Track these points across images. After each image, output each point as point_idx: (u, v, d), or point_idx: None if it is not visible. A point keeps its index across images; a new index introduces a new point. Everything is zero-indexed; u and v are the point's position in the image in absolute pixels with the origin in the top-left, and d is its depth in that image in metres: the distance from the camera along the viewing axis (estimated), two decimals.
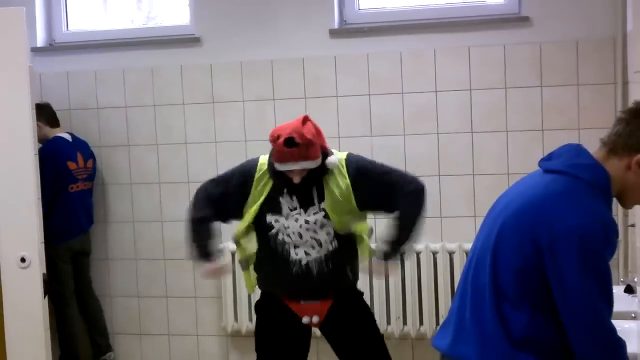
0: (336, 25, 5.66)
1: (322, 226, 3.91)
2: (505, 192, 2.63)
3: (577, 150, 2.50)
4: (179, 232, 5.86)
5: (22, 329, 4.12)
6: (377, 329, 4.20)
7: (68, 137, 5.84)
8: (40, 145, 5.47)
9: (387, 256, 3.93)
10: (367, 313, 4.19)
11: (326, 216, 3.91)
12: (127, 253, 6.08)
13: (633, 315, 3.40)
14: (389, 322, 5.50)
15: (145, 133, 5.97)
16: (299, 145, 3.73)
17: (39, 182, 4.16)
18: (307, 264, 3.92)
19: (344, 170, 3.95)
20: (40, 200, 4.16)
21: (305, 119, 3.86)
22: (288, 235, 3.91)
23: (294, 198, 3.92)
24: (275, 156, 3.84)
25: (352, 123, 5.58)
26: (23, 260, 4.05)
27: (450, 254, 5.44)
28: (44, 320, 4.11)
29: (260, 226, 3.99)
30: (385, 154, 5.52)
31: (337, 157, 3.96)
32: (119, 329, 6.14)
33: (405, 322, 5.52)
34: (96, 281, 6.10)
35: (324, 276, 3.94)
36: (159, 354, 6.09)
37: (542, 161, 2.56)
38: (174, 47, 5.92)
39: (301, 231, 3.90)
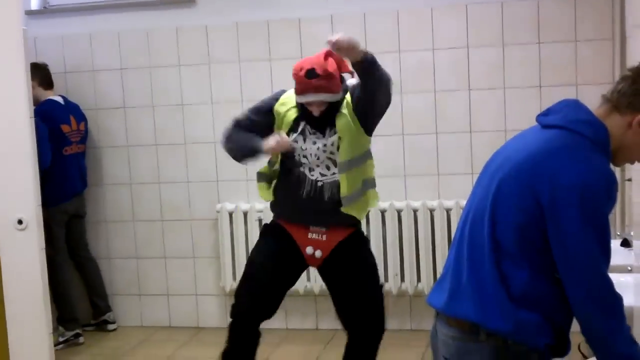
0: None
1: (338, 148, 3.94)
2: (502, 148, 2.60)
3: (575, 105, 2.48)
4: (176, 193, 5.93)
5: (21, 291, 4.13)
6: (377, 278, 4.19)
7: (60, 100, 5.82)
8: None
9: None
10: (369, 260, 4.18)
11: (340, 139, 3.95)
12: (124, 215, 6.09)
13: (629, 268, 3.41)
14: (386, 279, 5.52)
15: (141, 95, 5.96)
16: (319, 76, 3.80)
17: (35, 145, 4.14)
18: (321, 186, 3.95)
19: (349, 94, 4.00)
20: (37, 162, 4.15)
21: (328, 54, 3.89)
22: (305, 157, 3.96)
23: (314, 127, 3.97)
24: (296, 88, 3.92)
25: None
26: (20, 222, 4.05)
27: (448, 211, 5.46)
28: (43, 282, 4.12)
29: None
30: None
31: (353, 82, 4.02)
32: (118, 290, 6.16)
33: (402, 279, 5.55)
34: (94, 243, 6.11)
35: (334, 201, 3.96)
36: (158, 314, 6.12)
37: (540, 116, 2.53)
38: (169, 8, 5.88)
39: (318, 153, 3.94)
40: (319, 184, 3.95)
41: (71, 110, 5.84)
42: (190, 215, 5.96)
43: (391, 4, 5.53)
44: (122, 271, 6.15)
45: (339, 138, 3.93)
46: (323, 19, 5.59)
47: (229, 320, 4.20)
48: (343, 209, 3.98)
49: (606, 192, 2.31)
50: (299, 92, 3.91)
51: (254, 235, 5.67)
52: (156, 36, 5.90)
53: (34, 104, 5.53)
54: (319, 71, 3.80)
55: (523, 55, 5.36)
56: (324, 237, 4.04)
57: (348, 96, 3.98)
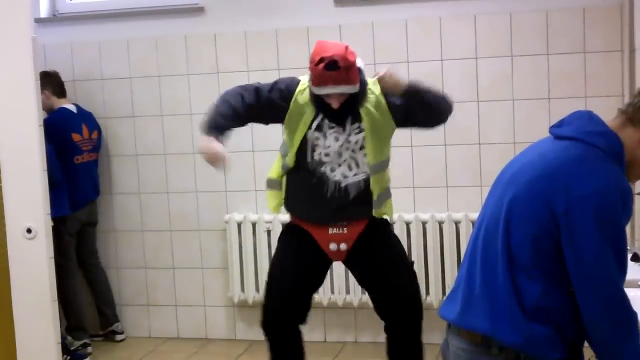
0: None
1: (360, 148, 3.87)
2: (514, 160, 2.59)
3: (589, 116, 2.46)
4: (185, 203, 5.92)
5: (29, 300, 4.13)
6: (406, 257, 4.15)
7: (73, 108, 5.82)
8: (45, 115, 5.46)
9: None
10: (395, 241, 4.13)
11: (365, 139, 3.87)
12: (133, 225, 6.08)
13: (639, 283, 3.40)
14: None
15: (150, 104, 5.96)
16: (340, 68, 3.67)
17: (44, 153, 4.14)
18: (345, 187, 3.89)
19: (378, 89, 3.91)
20: (45, 171, 4.15)
21: (347, 47, 3.77)
22: (327, 155, 3.87)
23: (333, 120, 3.87)
24: (314, 80, 3.77)
25: None
26: (29, 231, 4.05)
27: (457, 223, 5.44)
28: (51, 291, 4.12)
29: (299, 145, 3.93)
30: None
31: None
32: (126, 300, 6.16)
33: None
34: (103, 253, 6.11)
35: (359, 200, 3.90)
36: (166, 324, 6.11)
37: (553, 128, 2.52)
38: (178, 17, 5.88)
39: (341, 150, 3.86)
40: (342, 185, 3.88)
41: (84, 118, 5.84)
42: (198, 226, 5.96)
43: (400, 14, 5.52)
44: (130, 281, 6.14)
45: (364, 138, 3.86)
46: (332, 29, 5.58)
47: (262, 331, 4.15)
48: (375, 213, 3.95)
49: (622, 203, 2.29)
50: (316, 83, 3.76)
51: (263, 246, 5.67)
52: (165, 44, 5.90)
53: (48, 112, 5.57)
54: (340, 63, 3.66)
55: (532, 66, 5.35)
56: (345, 230, 3.96)
57: (377, 91, 3.88)
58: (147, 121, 5.97)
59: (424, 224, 5.48)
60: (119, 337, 6.06)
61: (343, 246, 3.99)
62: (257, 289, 5.74)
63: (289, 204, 4.09)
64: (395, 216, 5.37)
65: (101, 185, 6.05)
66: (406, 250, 5.36)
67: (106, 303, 6.04)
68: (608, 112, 2.54)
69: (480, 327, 2.43)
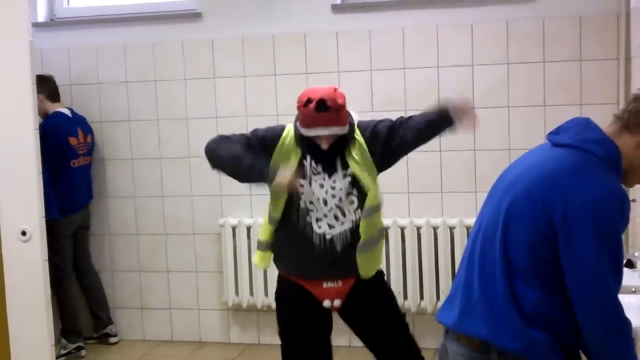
0: (338, 1, 5.63)
1: (347, 194, 3.76)
2: (511, 166, 2.60)
3: (586, 124, 2.48)
4: (179, 207, 5.92)
5: (24, 303, 4.13)
6: (399, 310, 4.07)
7: (68, 112, 5.82)
8: (40, 119, 5.47)
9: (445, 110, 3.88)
10: (388, 294, 4.05)
11: (352, 182, 3.76)
12: (128, 228, 6.08)
13: (633, 289, 3.41)
14: None
15: (146, 108, 5.96)
16: (329, 109, 3.63)
17: (40, 157, 4.14)
18: (331, 240, 3.77)
19: (359, 132, 3.84)
20: (40, 174, 4.15)
21: (335, 89, 3.73)
22: (312, 203, 3.76)
23: (318, 164, 3.77)
24: (303, 121, 3.71)
25: (354, 99, 5.48)
26: (24, 233, 4.05)
27: (451, 229, 5.44)
28: (46, 294, 4.12)
29: (284, 195, 3.80)
30: None
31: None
32: (121, 303, 6.15)
33: (405, 297, 5.52)
34: (97, 256, 6.11)
35: (348, 252, 3.78)
36: (160, 328, 6.10)
37: (551, 134, 2.53)
38: (175, 22, 5.89)
39: (326, 197, 3.75)
40: (328, 237, 3.77)
41: (78, 122, 5.85)
42: (193, 229, 5.96)
43: (397, 22, 5.53)
44: (124, 284, 6.14)
45: (352, 183, 3.76)
46: (329, 35, 5.60)
47: None
48: (358, 256, 3.78)
49: (619, 210, 2.31)
50: (305, 125, 3.70)
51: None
52: (162, 49, 5.91)
53: (42, 117, 5.58)
54: (329, 103, 3.62)
55: (528, 74, 5.36)
56: (340, 284, 3.85)
57: (358, 136, 3.81)
58: (143, 125, 5.98)
59: (418, 229, 5.48)
60: (112, 339, 6.05)
61: (337, 302, 3.89)
62: (251, 293, 5.75)
63: (279, 261, 3.99)
64: (390, 221, 5.40)
65: (97, 188, 6.06)
66: (400, 255, 5.41)
67: (100, 306, 6.03)
68: (604, 120, 2.55)
69: (479, 332, 2.44)
